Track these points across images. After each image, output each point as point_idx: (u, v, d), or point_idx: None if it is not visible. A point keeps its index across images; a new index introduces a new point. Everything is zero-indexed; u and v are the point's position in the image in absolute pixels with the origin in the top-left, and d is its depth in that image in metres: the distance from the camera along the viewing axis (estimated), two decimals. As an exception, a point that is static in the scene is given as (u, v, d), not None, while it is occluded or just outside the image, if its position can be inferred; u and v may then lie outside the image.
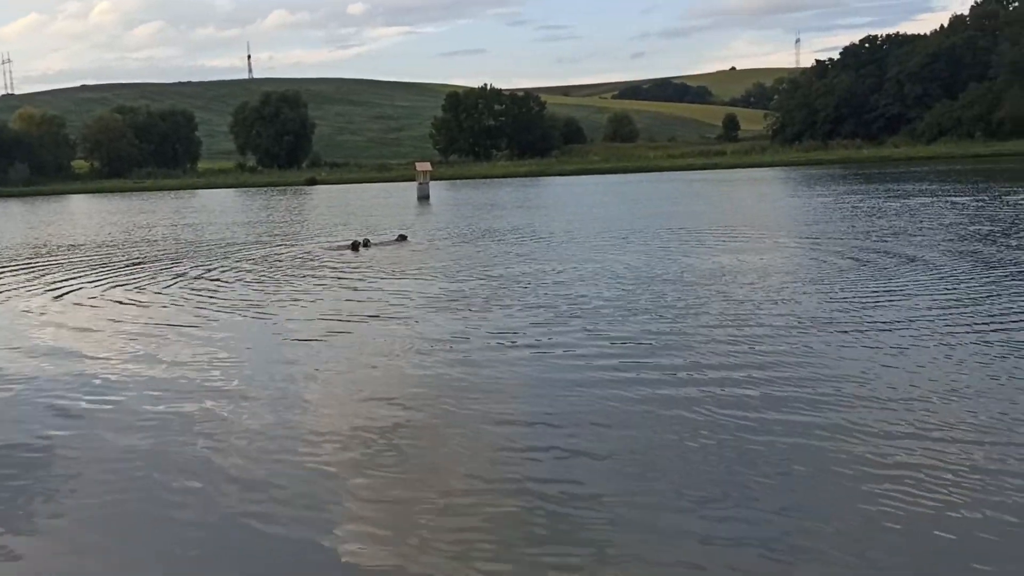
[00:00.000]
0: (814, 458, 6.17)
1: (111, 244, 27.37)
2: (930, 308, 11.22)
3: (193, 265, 20.29)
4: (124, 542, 5.52)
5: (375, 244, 22.45)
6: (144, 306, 14.41)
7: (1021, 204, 27.43)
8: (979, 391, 7.52)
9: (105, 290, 16.56)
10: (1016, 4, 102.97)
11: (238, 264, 20.27)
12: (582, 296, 13.22)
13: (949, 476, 5.74)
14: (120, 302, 14.91)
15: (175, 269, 19.62)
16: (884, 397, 7.43)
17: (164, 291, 16.07)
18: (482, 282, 15.38)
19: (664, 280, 14.56)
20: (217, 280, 17.50)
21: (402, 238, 23.40)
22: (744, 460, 6.17)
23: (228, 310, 13.69)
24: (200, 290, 16.05)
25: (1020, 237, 19.02)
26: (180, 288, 16.46)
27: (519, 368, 9.05)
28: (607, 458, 6.32)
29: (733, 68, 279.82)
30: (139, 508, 5.97)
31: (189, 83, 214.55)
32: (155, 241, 27.99)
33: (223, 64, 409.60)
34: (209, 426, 7.58)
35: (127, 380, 9.31)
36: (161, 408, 8.18)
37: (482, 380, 8.62)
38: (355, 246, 21.94)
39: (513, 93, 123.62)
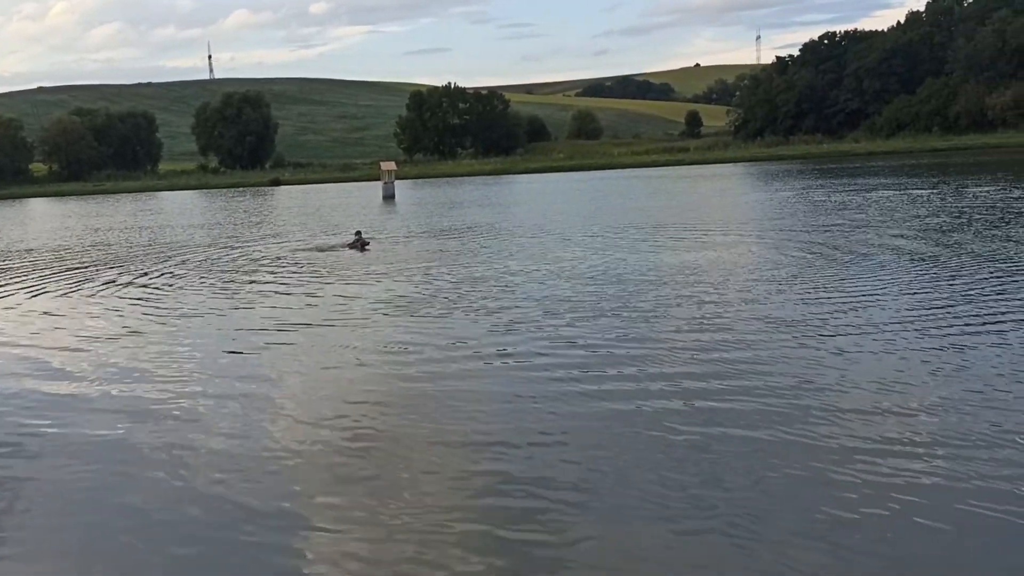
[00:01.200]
0: (780, 469, 6.02)
1: (64, 248, 26.94)
2: (897, 309, 11.11)
3: (139, 270, 19.93)
4: (82, 559, 5.43)
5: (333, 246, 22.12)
6: (74, 315, 14.13)
7: (980, 195, 27.97)
8: (946, 399, 7.33)
9: (51, 297, 16.36)
10: (970, 1, 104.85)
11: (185, 268, 20.07)
12: (545, 297, 13.09)
13: (919, 491, 5.57)
14: (48, 312, 14.61)
15: (114, 274, 19.30)
16: (849, 408, 7.17)
17: (95, 298, 15.76)
18: (445, 284, 15.32)
19: (627, 280, 14.50)
20: (162, 286, 17.27)
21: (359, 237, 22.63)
22: (711, 474, 5.99)
23: (168, 317, 13.44)
24: (141, 297, 15.73)
25: (980, 228, 19.41)
26: (116, 294, 16.20)
27: (479, 380, 8.72)
28: (570, 478, 6.08)
29: (698, 64, 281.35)
30: (95, 523, 5.86)
31: (149, 84, 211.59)
32: (106, 245, 27.56)
33: (184, 65, 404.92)
34: (166, 441, 7.38)
35: (70, 394, 9.04)
36: (106, 430, 7.79)
37: (440, 392, 8.32)
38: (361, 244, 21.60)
39: (477, 92, 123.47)
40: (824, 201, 29.76)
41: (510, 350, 9.80)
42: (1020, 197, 26.82)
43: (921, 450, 6.16)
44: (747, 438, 6.59)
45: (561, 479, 6.02)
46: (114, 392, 9.02)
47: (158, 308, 14.34)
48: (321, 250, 21.67)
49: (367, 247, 21.14)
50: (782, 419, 6.94)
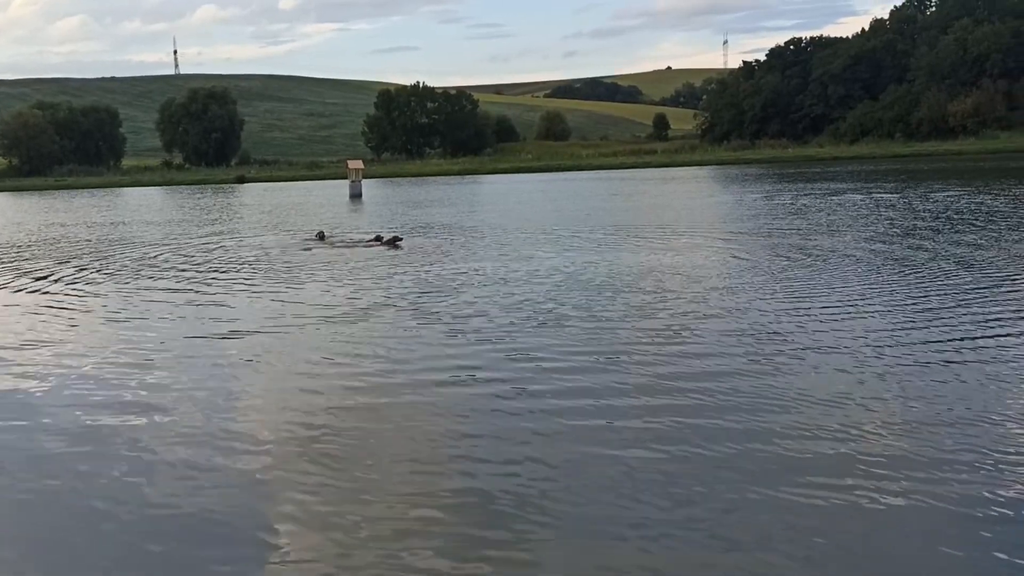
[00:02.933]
0: (747, 485, 5.89)
1: (13, 245, 26.45)
2: (867, 318, 10.99)
3: (97, 267, 19.59)
4: (36, 566, 5.31)
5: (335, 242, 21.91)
6: (23, 313, 13.75)
7: (944, 201, 28.40)
8: (914, 411, 7.22)
9: None
10: (933, 9, 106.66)
11: (148, 265, 19.78)
12: (507, 303, 12.68)
13: (889, 510, 5.49)
14: None
15: (71, 270, 18.98)
16: (813, 423, 7.01)
17: (48, 296, 15.48)
18: (408, 287, 15.18)
19: (592, 284, 14.21)
20: (119, 283, 17.03)
21: (379, 239, 21.85)
22: (679, 491, 5.84)
23: (123, 316, 13.17)
24: (94, 294, 15.45)
25: (946, 234, 19.70)
26: (70, 291, 15.91)
27: (437, 392, 8.28)
28: (536, 492, 5.92)
29: (669, 68, 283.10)
30: (49, 530, 5.71)
31: (113, 78, 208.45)
32: (53, 242, 27.10)
33: (149, 59, 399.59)
34: (125, 442, 7.22)
35: (19, 398, 8.77)
36: (60, 435, 7.54)
37: (403, 403, 7.99)
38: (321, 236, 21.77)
39: (446, 91, 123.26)
40: (791, 204, 30.06)
41: (469, 363, 9.34)
42: (982, 203, 27.27)
43: (889, 467, 6.06)
44: (711, 454, 6.48)
45: (528, 492, 5.90)
46: (66, 394, 8.77)
47: (110, 307, 14.06)
48: (349, 247, 21.30)
49: (399, 244, 20.84)
50: (748, 435, 6.79)
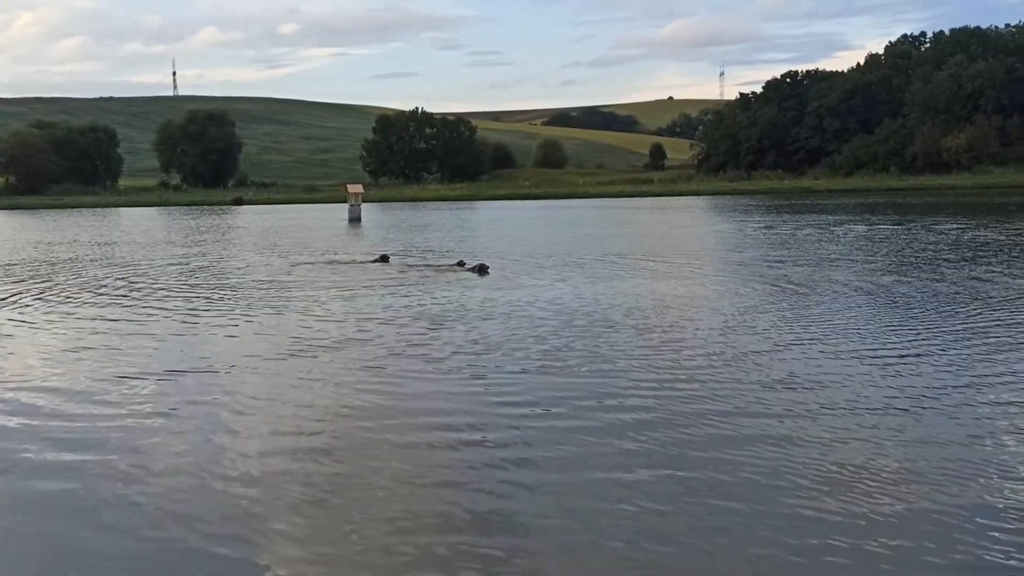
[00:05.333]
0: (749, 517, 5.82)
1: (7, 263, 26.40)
2: (871, 352, 11.08)
3: (91, 286, 19.55)
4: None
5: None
6: (11, 333, 13.70)
7: (943, 233, 28.53)
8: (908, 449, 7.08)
9: None
10: (927, 45, 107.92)
11: (149, 285, 19.72)
12: (507, 331, 12.42)
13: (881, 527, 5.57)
14: None
15: (59, 290, 18.79)
16: (811, 457, 6.80)
17: (39, 314, 15.29)
18: (414, 311, 15.16)
19: (594, 313, 14.13)
20: (117, 303, 16.96)
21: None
22: (677, 518, 5.76)
23: (122, 334, 13.07)
24: (92, 315, 15.22)
25: (945, 267, 19.77)
26: (60, 310, 15.72)
27: (439, 419, 8.10)
28: (536, 519, 5.82)
29: (671, 98, 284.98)
30: (39, 553, 5.63)
31: (111, 99, 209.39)
32: (62, 260, 27.06)
33: (149, 80, 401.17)
34: (115, 465, 7.07)
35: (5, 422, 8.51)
36: (50, 457, 7.37)
37: (401, 427, 7.86)
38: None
39: (444, 117, 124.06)
40: (790, 235, 30.15)
41: (468, 390, 9.21)
42: (976, 237, 27.39)
43: (891, 514, 5.88)
44: (711, 479, 6.42)
45: (526, 520, 5.81)
46: (54, 416, 8.60)
47: (108, 325, 13.95)
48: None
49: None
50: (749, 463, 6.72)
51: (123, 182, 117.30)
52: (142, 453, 7.40)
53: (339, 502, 6.23)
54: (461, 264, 21.08)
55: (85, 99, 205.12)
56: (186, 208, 79.27)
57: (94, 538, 5.79)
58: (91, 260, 26.65)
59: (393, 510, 6.05)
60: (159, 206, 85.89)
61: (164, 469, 6.99)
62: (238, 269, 23.09)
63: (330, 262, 23.95)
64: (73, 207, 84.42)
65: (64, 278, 21.31)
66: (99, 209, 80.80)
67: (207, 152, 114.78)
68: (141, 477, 6.83)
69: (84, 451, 7.54)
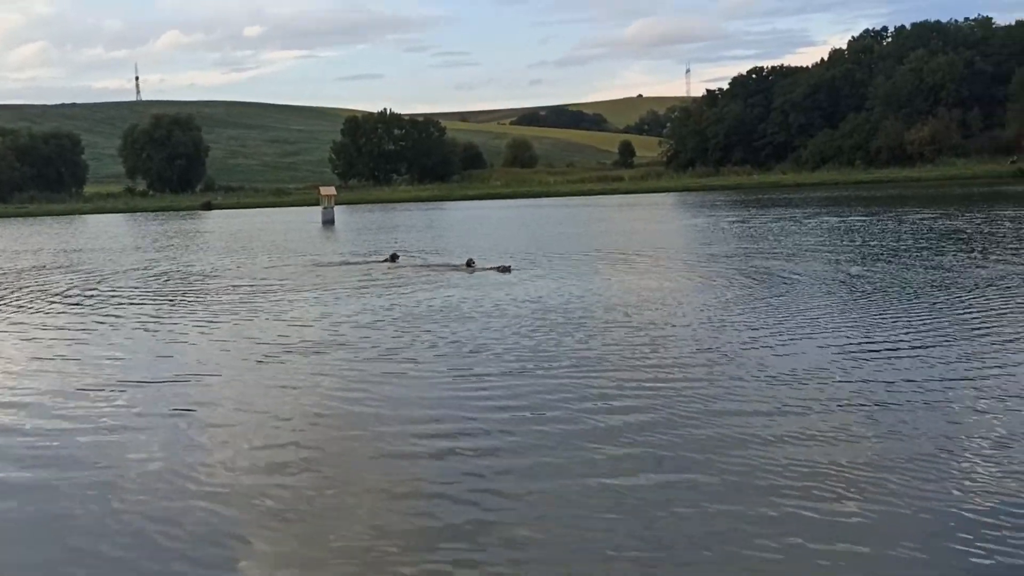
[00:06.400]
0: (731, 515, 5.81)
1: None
2: (846, 341, 11.44)
3: (58, 294, 19.48)
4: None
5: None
6: None
7: (911, 224, 29.10)
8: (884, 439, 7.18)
9: None
10: (889, 40, 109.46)
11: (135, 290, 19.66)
12: (481, 331, 12.41)
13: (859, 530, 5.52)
14: None
15: (27, 299, 18.69)
16: (788, 451, 6.91)
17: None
18: (393, 312, 15.26)
19: (570, 310, 14.40)
20: (82, 313, 16.90)
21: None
22: (657, 523, 5.69)
23: (93, 343, 12.96)
24: (57, 325, 15.21)
25: (913, 256, 20.21)
26: (23, 320, 15.58)
27: (414, 427, 7.97)
28: (513, 527, 5.75)
29: (640, 95, 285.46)
30: (11, 563, 5.54)
31: (74, 105, 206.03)
32: (35, 269, 26.82)
33: (111, 86, 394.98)
34: (89, 473, 6.96)
35: None
36: (23, 468, 7.28)
37: (377, 434, 7.68)
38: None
39: (413, 118, 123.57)
40: (763, 228, 30.59)
41: (443, 393, 9.12)
42: (942, 226, 27.98)
43: (868, 496, 6.01)
44: (691, 481, 6.39)
45: (508, 530, 5.70)
46: (15, 432, 8.36)
47: (76, 334, 13.82)
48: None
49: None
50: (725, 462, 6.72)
51: (88, 189, 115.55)
52: (110, 469, 7.09)
53: (315, 516, 6.01)
54: (470, 264, 21.02)
55: (46, 105, 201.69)
56: (155, 214, 78.44)
57: (62, 560, 5.57)
58: (56, 267, 26.44)
59: (371, 523, 5.86)
60: (127, 212, 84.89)
61: (133, 486, 6.70)
62: (230, 271, 23.05)
63: (344, 263, 24.02)
64: (38, 215, 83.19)
65: (28, 287, 21.12)
66: (65, 216, 79.70)
67: (173, 157, 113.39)
68: (109, 496, 6.51)
69: (48, 468, 7.21)
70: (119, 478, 6.92)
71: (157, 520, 6.02)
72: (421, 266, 22.18)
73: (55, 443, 7.94)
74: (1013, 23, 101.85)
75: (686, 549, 5.35)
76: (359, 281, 19.34)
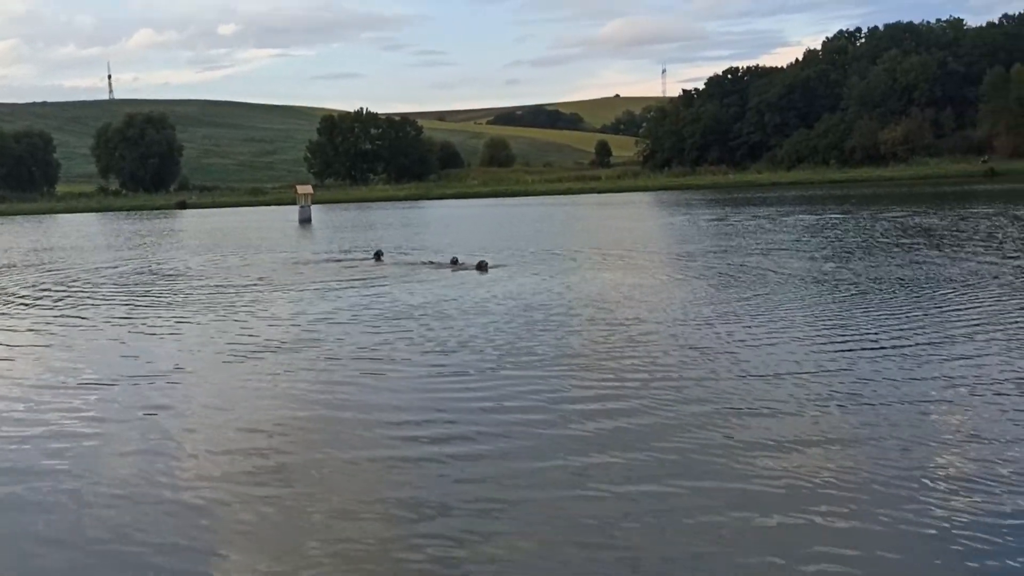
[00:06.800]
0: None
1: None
2: (826, 342, 11.55)
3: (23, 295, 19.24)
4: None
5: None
6: None
7: (885, 221, 29.37)
8: (860, 434, 7.07)
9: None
10: (863, 41, 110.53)
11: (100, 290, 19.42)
12: (453, 332, 12.06)
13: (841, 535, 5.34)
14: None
15: None
16: (763, 444, 6.84)
17: None
18: (370, 308, 15.17)
19: (542, 307, 14.37)
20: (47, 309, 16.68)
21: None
22: (633, 528, 5.54)
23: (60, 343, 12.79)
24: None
25: (887, 253, 20.38)
26: None
27: (386, 432, 7.69)
28: (487, 533, 5.58)
29: (618, 95, 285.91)
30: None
31: (44, 103, 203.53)
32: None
33: (83, 84, 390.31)
34: (57, 479, 6.71)
35: None
36: None
37: (352, 440, 7.44)
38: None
39: (390, 117, 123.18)
40: (743, 225, 30.74)
41: (415, 396, 8.84)
42: (916, 224, 28.26)
43: (843, 497, 5.88)
44: (659, 491, 6.16)
45: (484, 539, 5.52)
46: None
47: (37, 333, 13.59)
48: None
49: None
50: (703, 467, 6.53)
51: (60, 188, 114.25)
52: (74, 479, 6.76)
53: (290, 526, 5.78)
54: (455, 262, 21.05)
55: (17, 104, 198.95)
56: (129, 213, 77.61)
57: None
58: (27, 266, 26.07)
59: (347, 532, 5.65)
60: (100, 211, 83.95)
61: (100, 497, 6.40)
62: (212, 270, 22.83)
63: (325, 260, 23.86)
64: (9, 214, 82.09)
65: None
66: (37, 216, 78.70)
67: (146, 156, 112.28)
68: (75, 505, 6.25)
69: (7, 476, 6.89)
70: (85, 488, 6.57)
71: (125, 532, 5.75)
72: (406, 263, 22.08)
73: (14, 449, 7.59)
74: (984, 24, 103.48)
75: (670, 552, 5.23)
76: (342, 278, 19.20)
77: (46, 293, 18.81)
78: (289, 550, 5.41)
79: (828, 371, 9.12)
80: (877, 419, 7.45)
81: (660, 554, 5.22)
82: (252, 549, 5.47)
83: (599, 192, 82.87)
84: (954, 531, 5.29)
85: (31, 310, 16.42)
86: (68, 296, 18.09)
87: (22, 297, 18.35)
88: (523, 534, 5.52)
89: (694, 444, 6.98)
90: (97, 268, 24.37)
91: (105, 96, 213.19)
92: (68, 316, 15.30)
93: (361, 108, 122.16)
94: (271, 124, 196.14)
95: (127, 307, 16.19)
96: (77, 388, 9.69)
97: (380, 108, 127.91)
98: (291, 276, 20.17)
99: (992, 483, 5.98)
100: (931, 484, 6.02)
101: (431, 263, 21.71)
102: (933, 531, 5.31)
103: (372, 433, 7.69)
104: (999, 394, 8.06)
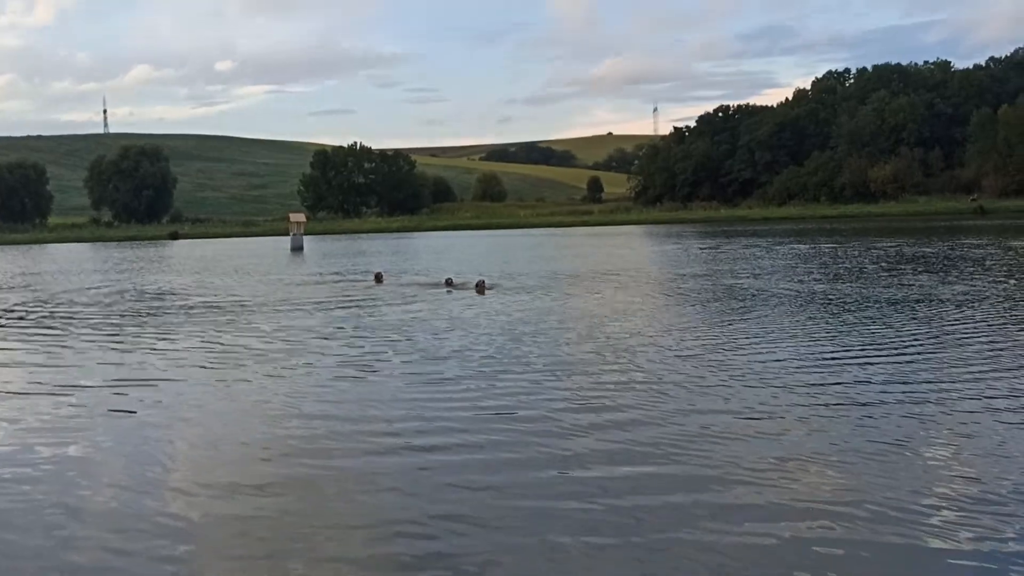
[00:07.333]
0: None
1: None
2: (814, 366, 11.55)
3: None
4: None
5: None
6: None
7: (876, 250, 29.50)
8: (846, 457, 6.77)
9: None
10: (852, 81, 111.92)
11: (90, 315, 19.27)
12: (441, 354, 11.62)
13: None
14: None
15: None
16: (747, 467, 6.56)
17: None
18: (358, 332, 15.09)
19: (532, 332, 14.36)
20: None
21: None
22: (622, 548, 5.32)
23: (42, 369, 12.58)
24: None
25: (878, 280, 20.41)
26: None
27: (376, 453, 7.32)
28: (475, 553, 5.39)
29: (610, 133, 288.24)
30: None
31: (40, 137, 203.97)
32: None
33: (79, 119, 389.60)
34: (41, 505, 6.38)
35: None
36: None
37: (340, 464, 7.08)
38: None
39: (383, 152, 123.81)
40: (736, 253, 30.81)
41: (404, 417, 8.48)
42: (906, 253, 28.38)
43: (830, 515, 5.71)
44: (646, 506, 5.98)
45: (467, 552, 5.39)
46: None
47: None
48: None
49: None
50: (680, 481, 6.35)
51: (53, 220, 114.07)
52: (57, 500, 6.46)
53: (277, 547, 5.57)
54: (449, 283, 21.03)
55: (12, 137, 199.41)
56: (121, 243, 77.42)
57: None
58: (10, 288, 25.85)
59: (334, 549, 5.48)
60: (92, 241, 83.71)
61: (84, 518, 6.18)
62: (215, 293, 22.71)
63: (324, 282, 23.82)
64: (3, 244, 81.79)
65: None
66: (28, 246, 78.42)
67: (140, 188, 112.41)
68: (56, 524, 6.02)
69: None
70: (66, 507, 6.32)
71: (108, 550, 5.54)
72: (404, 284, 22.07)
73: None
74: (971, 67, 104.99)
75: (660, 569, 5.07)
76: (341, 299, 19.09)
77: (31, 314, 18.66)
78: (275, 567, 5.22)
79: (821, 386, 8.98)
80: (874, 436, 7.24)
81: (649, 571, 5.05)
82: (236, 568, 5.30)
83: (591, 225, 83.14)
84: (950, 553, 5.08)
85: (14, 332, 16.26)
86: (54, 317, 18.00)
87: (6, 319, 18.16)
88: (511, 548, 5.34)
89: (685, 459, 6.78)
90: (87, 288, 24.23)
91: (100, 130, 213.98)
92: (53, 336, 15.08)
93: (355, 143, 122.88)
94: (265, 159, 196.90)
95: (115, 327, 16.01)
96: (55, 400, 9.38)
97: (374, 144, 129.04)
98: (288, 295, 20.07)
99: (990, 504, 5.76)
100: (926, 504, 5.81)
101: (430, 285, 21.66)
102: (928, 552, 5.12)
103: (360, 446, 7.48)
104: (994, 411, 7.89)
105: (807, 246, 34.94)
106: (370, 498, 6.31)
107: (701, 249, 35.27)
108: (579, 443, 7.22)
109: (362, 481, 6.64)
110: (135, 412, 8.85)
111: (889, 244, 33.97)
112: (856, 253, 29.17)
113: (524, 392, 9.01)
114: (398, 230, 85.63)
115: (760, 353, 10.75)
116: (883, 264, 24.04)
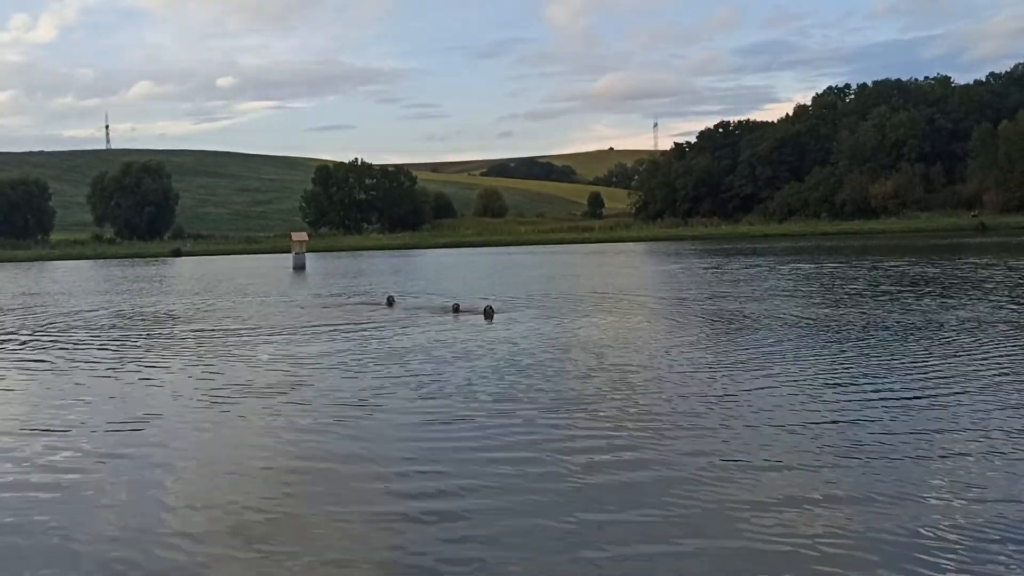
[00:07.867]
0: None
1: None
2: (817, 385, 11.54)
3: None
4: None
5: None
6: None
7: (889, 269, 29.52)
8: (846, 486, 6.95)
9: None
10: (852, 97, 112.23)
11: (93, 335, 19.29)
12: (442, 376, 12.02)
13: None
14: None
15: None
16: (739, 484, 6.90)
17: None
18: (366, 354, 15.09)
19: (531, 352, 14.40)
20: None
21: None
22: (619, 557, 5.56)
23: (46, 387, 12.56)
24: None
25: (880, 300, 20.42)
26: None
27: (377, 465, 7.68)
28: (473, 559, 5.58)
29: (612, 148, 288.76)
30: None
31: (42, 152, 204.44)
32: None
33: (81, 135, 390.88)
34: (46, 524, 6.49)
35: None
36: None
37: (341, 474, 7.38)
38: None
39: (384, 168, 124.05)
40: (739, 273, 30.84)
41: (413, 431, 8.87)
42: (909, 274, 28.41)
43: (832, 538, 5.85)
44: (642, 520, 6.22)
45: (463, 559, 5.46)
46: None
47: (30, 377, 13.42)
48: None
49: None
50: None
51: (55, 236, 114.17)
52: (48, 532, 6.45)
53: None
54: (456, 308, 21.00)
55: (13, 153, 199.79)
56: (123, 260, 77.49)
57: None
58: (11, 309, 25.88)
59: None
60: (94, 259, 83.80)
61: (78, 548, 6.16)
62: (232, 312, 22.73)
63: (334, 306, 23.85)
64: (2, 261, 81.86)
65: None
66: (30, 263, 78.48)
67: (142, 204, 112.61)
68: (60, 554, 6.04)
69: None
70: (59, 542, 6.29)
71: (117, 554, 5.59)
72: (411, 308, 22.07)
73: (3, 493, 7.34)
74: (971, 82, 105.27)
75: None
76: (347, 325, 19.07)
77: (31, 336, 18.68)
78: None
79: (827, 421, 8.96)
80: (880, 472, 7.27)
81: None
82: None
83: (592, 242, 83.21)
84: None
85: (15, 353, 16.24)
86: (54, 339, 18.01)
87: (7, 339, 18.18)
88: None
89: (693, 500, 6.75)
90: (90, 310, 24.25)
91: (102, 146, 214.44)
92: (51, 359, 15.09)
93: (356, 159, 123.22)
94: (266, 174, 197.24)
95: (115, 351, 16.05)
96: (51, 435, 9.31)
97: (374, 159, 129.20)
98: (292, 320, 20.09)
99: (995, 540, 5.79)
100: (935, 541, 5.82)
101: (439, 309, 21.65)
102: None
103: (358, 485, 7.40)
104: (1002, 444, 7.94)
105: (809, 265, 34.96)
106: (370, 539, 6.19)
107: (704, 269, 35.30)
108: (581, 487, 7.14)
109: (362, 521, 6.53)
110: (130, 454, 8.61)
111: (891, 264, 33.99)
112: (858, 274, 29.19)
113: (530, 432, 8.94)
114: (400, 247, 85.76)
115: (762, 389, 10.69)
116: (885, 287, 24.04)
